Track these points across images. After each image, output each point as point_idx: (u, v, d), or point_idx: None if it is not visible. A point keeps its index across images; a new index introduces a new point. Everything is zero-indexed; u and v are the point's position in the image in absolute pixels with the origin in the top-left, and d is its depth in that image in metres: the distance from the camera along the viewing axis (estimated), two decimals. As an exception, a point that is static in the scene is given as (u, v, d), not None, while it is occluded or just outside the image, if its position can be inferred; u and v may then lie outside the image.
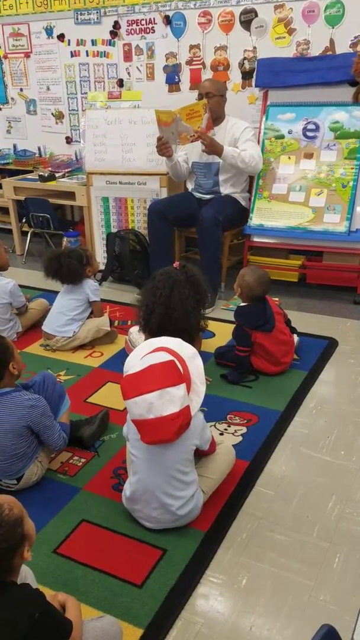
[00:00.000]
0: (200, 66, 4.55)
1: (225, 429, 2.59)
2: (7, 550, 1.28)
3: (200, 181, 4.11)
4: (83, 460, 2.41)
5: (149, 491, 1.93)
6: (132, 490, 1.98)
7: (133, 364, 1.97)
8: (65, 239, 4.85)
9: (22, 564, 1.53)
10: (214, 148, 3.77)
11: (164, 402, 1.80)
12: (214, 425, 2.60)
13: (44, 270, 3.37)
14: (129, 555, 1.90)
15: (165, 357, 1.88)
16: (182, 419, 1.81)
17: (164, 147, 3.86)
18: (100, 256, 4.60)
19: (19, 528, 1.32)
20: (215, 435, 2.26)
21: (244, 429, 2.59)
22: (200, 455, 2.10)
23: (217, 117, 3.94)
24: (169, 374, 1.84)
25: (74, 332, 3.40)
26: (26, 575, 1.57)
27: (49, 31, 5.09)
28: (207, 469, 2.11)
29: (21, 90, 5.49)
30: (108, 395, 2.91)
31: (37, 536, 1.92)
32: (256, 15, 4.23)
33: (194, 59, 4.55)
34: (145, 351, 1.96)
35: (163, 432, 1.81)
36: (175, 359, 1.89)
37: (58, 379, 3.07)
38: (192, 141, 3.81)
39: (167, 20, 4.54)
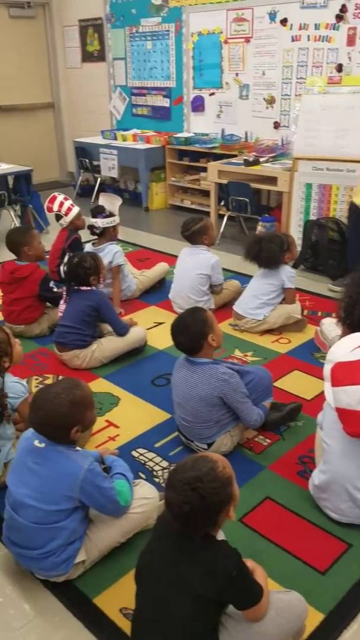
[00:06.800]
0: None
1: None
2: (216, 504, 1.38)
3: None
4: (268, 441, 2.47)
5: (339, 482, 1.92)
6: (320, 478, 1.99)
7: (339, 354, 1.96)
8: (260, 223, 4.91)
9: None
10: None
11: (378, 396, 1.77)
12: None
13: (245, 252, 3.46)
14: (312, 541, 1.92)
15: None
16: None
17: None
18: (295, 243, 4.58)
19: (229, 487, 1.42)
20: None
21: None
22: None
23: None
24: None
25: (265, 315, 3.45)
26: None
27: (272, 16, 5.12)
28: None
29: (236, 75, 5.63)
30: (294, 383, 2.92)
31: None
32: None
33: None
34: (356, 344, 1.93)
35: None
36: None
37: (244, 359, 3.19)
38: None
39: None
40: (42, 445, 1.74)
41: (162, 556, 1.45)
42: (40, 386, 2.92)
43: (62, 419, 1.71)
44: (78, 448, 1.80)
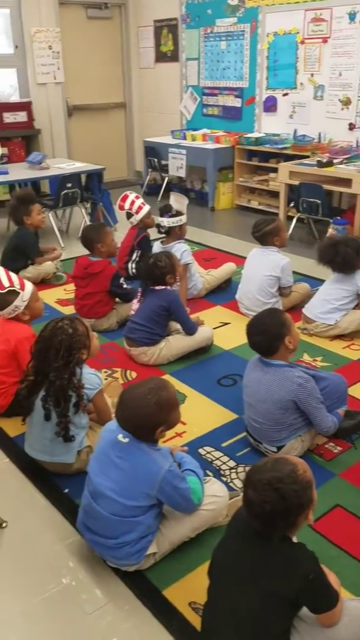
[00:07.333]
0: None
1: None
2: (297, 507, 1.38)
3: None
4: (339, 448, 2.43)
5: None
6: (395, 490, 1.94)
7: None
8: (332, 226, 4.82)
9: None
10: None
11: None
12: None
13: (319, 255, 3.39)
14: (386, 553, 1.88)
15: None
16: None
17: None
18: (367, 248, 4.46)
19: (309, 490, 1.41)
20: None
21: None
22: None
23: None
24: None
25: (336, 320, 3.38)
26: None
27: (352, 16, 5.01)
28: None
29: (312, 75, 5.55)
30: (367, 391, 2.86)
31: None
32: None
33: None
34: None
35: None
36: None
37: (313, 364, 3.14)
38: None
39: None
40: (126, 440, 1.78)
41: (238, 554, 1.46)
42: (109, 379, 3.00)
43: (148, 419, 1.74)
44: (160, 446, 1.83)
